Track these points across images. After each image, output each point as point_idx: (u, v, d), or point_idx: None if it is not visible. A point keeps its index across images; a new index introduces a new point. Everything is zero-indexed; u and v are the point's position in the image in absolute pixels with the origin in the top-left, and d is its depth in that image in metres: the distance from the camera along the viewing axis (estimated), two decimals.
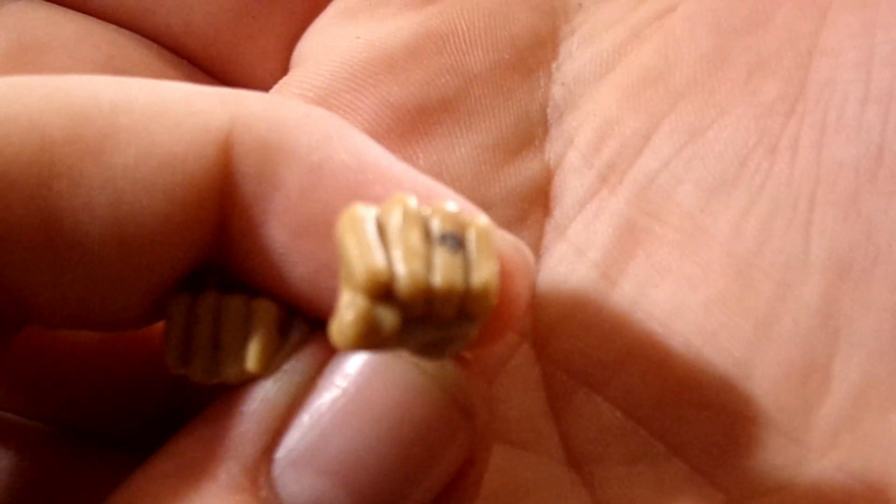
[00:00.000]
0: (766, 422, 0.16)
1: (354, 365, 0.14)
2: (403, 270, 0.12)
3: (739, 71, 0.18)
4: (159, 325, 0.15)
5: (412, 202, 0.13)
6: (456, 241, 0.13)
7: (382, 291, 0.12)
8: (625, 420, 0.17)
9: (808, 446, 0.16)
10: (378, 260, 0.12)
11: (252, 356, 0.14)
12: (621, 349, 0.17)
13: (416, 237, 0.12)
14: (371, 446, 0.13)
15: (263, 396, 0.14)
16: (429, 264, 0.12)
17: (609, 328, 0.17)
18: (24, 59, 0.19)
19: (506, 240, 0.14)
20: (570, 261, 0.18)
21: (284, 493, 0.13)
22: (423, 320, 0.12)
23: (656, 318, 0.17)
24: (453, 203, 0.13)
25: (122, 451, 0.17)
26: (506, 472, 0.17)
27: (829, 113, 0.17)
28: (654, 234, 0.17)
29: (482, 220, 0.13)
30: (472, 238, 0.13)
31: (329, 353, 0.14)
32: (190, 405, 0.15)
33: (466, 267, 0.13)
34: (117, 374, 0.16)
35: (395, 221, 0.12)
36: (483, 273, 0.12)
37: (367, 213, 0.12)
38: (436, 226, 0.13)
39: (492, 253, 0.13)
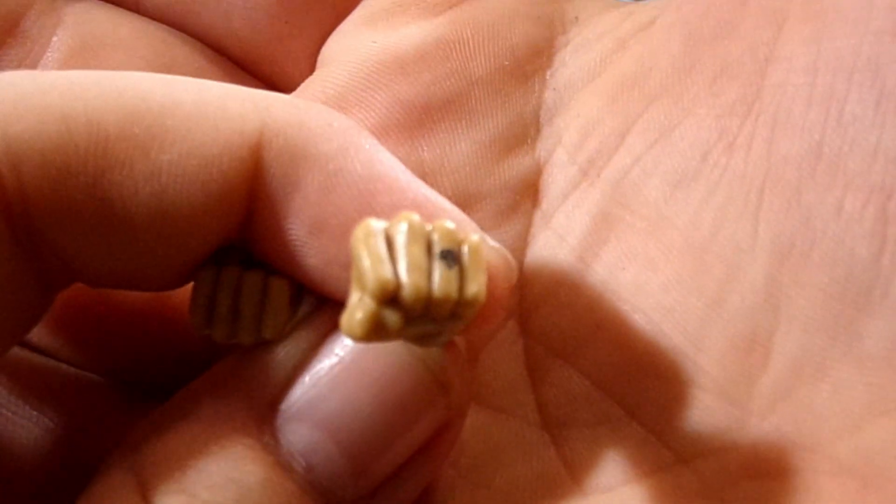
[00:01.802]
0: (714, 389, 0.17)
1: None
2: (408, 282, 0.14)
3: (706, 76, 0.18)
4: (188, 289, 0.16)
5: (416, 219, 0.14)
6: (453, 256, 0.14)
7: (389, 297, 0.14)
8: (592, 388, 0.18)
9: (750, 412, 0.17)
10: (387, 271, 0.14)
11: (266, 324, 0.16)
12: (592, 324, 0.18)
13: (418, 251, 0.14)
14: (360, 408, 0.15)
15: (273, 357, 0.15)
16: (429, 277, 0.14)
17: (582, 306, 0.19)
18: (86, 56, 0.21)
19: (492, 248, 0.16)
20: (552, 246, 0.19)
21: (284, 441, 0.15)
22: (420, 318, 0.14)
23: (623, 297, 0.18)
24: (451, 221, 0.15)
25: (148, 395, 0.19)
26: (486, 433, 0.19)
27: (779, 113, 0.17)
28: (625, 222, 0.19)
29: (475, 236, 0.15)
30: (466, 252, 0.14)
31: (331, 326, 0.16)
32: (208, 360, 0.16)
33: (461, 278, 0.14)
34: (151, 328, 0.18)
35: (401, 236, 0.14)
36: (473, 287, 0.14)
37: (377, 227, 0.14)
38: (436, 242, 0.14)
39: (482, 266, 0.14)
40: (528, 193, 0.20)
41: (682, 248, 0.18)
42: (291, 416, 0.15)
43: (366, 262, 0.14)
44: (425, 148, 0.20)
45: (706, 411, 0.17)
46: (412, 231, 0.14)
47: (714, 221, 0.18)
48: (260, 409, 0.15)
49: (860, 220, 0.16)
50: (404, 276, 0.14)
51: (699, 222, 0.18)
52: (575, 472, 0.18)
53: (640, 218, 0.19)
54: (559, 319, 0.19)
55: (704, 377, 0.17)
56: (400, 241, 0.14)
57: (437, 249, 0.14)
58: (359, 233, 0.14)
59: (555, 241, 0.19)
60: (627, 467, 0.18)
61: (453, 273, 0.14)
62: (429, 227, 0.14)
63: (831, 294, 0.16)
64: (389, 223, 0.14)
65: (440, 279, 0.14)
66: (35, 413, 0.18)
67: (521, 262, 0.20)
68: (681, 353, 0.18)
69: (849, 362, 0.16)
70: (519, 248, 0.20)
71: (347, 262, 0.15)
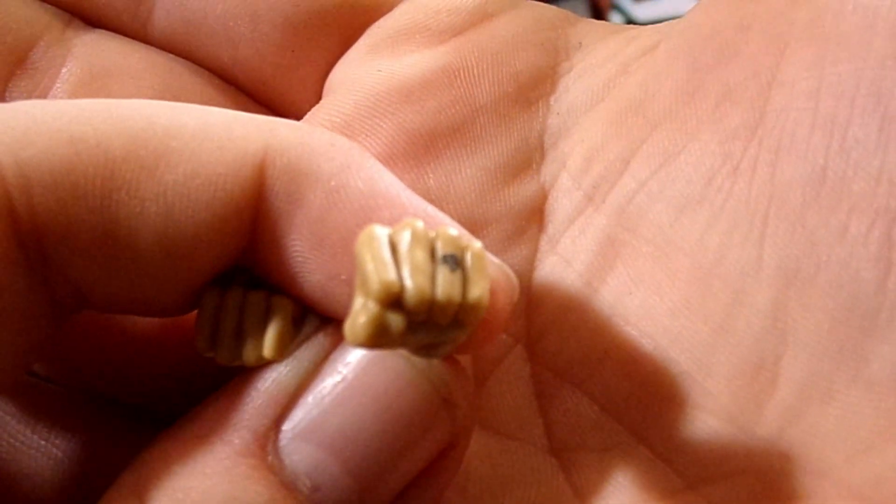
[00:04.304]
0: (722, 414, 0.17)
1: (355, 356, 0.15)
2: (411, 284, 0.14)
3: (709, 101, 0.18)
4: (193, 314, 0.16)
5: (420, 225, 0.14)
6: (455, 261, 0.14)
7: (392, 300, 0.14)
8: (600, 413, 0.18)
9: (758, 436, 0.17)
10: (391, 274, 0.14)
11: (269, 344, 0.16)
12: (600, 350, 0.18)
13: (422, 256, 0.14)
14: (364, 426, 0.15)
15: (276, 377, 0.15)
16: (432, 279, 0.14)
17: (590, 331, 0.19)
18: (95, 86, 0.21)
19: (493, 263, 0.16)
20: (559, 271, 0.19)
21: (288, 461, 0.15)
22: (423, 325, 0.14)
23: (630, 322, 0.18)
24: (454, 228, 0.15)
25: (154, 421, 0.18)
26: (494, 459, 0.18)
27: (783, 138, 0.17)
28: (631, 247, 0.19)
29: (477, 244, 0.15)
30: (468, 259, 0.15)
31: (334, 345, 0.16)
32: (214, 383, 0.16)
33: (464, 283, 0.14)
34: (157, 354, 0.18)
35: (405, 241, 0.14)
36: (477, 290, 0.14)
37: (381, 233, 0.14)
38: (439, 247, 0.14)
39: (485, 273, 0.15)
40: (533, 218, 0.20)
41: (689, 273, 0.18)
42: (295, 436, 0.15)
43: (370, 265, 0.14)
44: (431, 175, 0.20)
45: (715, 436, 0.17)
46: (416, 236, 0.14)
47: (719, 246, 0.18)
48: (263, 430, 0.15)
49: (865, 243, 0.16)
50: (408, 279, 0.14)
51: (705, 247, 0.18)
52: (584, 497, 0.18)
53: (646, 242, 0.19)
54: (567, 344, 0.19)
55: (712, 402, 0.17)
56: (404, 245, 0.14)
57: (440, 254, 0.14)
58: (363, 238, 0.14)
59: (561, 266, 0.19)
60: (636, 493, 0.18)
61: (456, 277, 0.14)
62: (432, 233, 0.15)
63: (837, 318, 0.16)
64: (393, 229, 0.14)
65: (443, 282, 0.14)
66: (43, 442, 0.18)
67: (528, 287, 0.20)
68: (689, 377, 0.18)
69: (856, 386, 0.16)
70: (525, 272, 0.20)
71: (349, 279, 0.15)
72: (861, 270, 0.16)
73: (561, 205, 0.20)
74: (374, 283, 0.14)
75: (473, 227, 0.20)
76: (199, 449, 0.15)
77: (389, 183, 0.16)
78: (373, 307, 0.14)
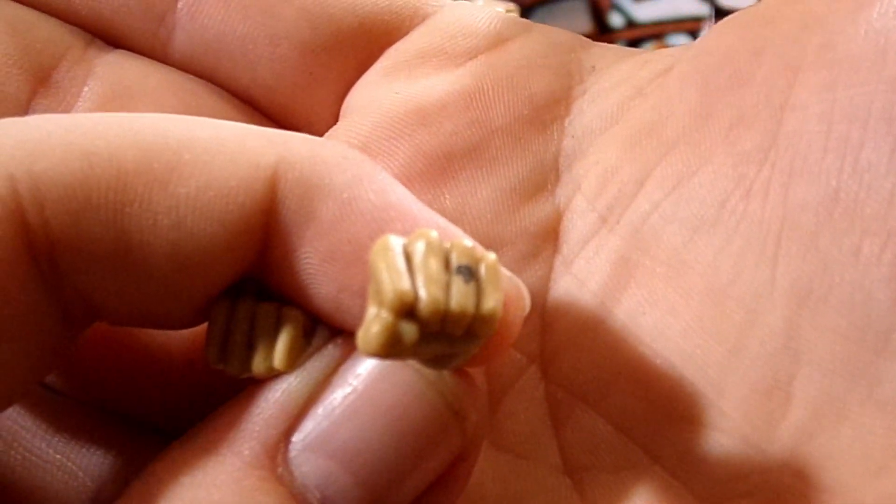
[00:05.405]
0: (736, 434, 0.17)
1: (365, 367, 0.15)
2: (425, 294, 0.14)
3: (722, 124, 0.19)
4: (203, 326, 0.16)
5: (434, 236, 0.14)
6: (470, 272, 0.14)
7: (406, 310, 0.14)
8: (615, 432, 0.18)
9: (772, 456, 0.17)
10: (405, 283, 0.14)
11: (279, 355, 0.16)
12: (614, 369, 0.19)
13: (436, 266, 0.14)
14: (374, 437, 0.15)
15: (286, 388, 0.15)
16: (446, 290, 0.14)
17: (604, 351, 0.19)
18: (115, 105, 0.21)
19: (506, 276, 0.16)
20: (573, 291, 0.19)
21: (298, 473, 0.15)
22: (435, 336, 0.14)
23: (644, 342, 0.18)
24: (468, 240, 0.15)
25: (167, 435, 0.18)
26: (507, 478, 0.19)
27: (795, 160, 0.18)
28: (645, 267, 0.19)
29: (491, 256, 0.15)
30: (483, 270, 0.15)
31: (345, 356, 0.16)
32: (225, 395, 0.16)
33: (477, 294, 0.14)
34: (169, 366, 0.18)
35: (419, 251, 0.14)
36: (490, 302, 0.14)
37: (396, 243, 0.14)
38: (454, 258, 0.14)
39: (499, 285, 0.15)
40: (548, 239, 0.20)
41: (702, 294, 0.18)
42: (305, 448, 0.15)
43: (384, 274, 0.14)
44: (447, 196, 0.20)
45: (728, 456, 0.17)
46: (430, 247, 0.14)
47: (733, 267, 0.18)
48: (273, 441, 0.15)
49: (878, 264, 0.16)
50: (422, 288, 0.14)
51: (718, 268, 0.18)
52: None
53: (660, 263, 0.19)
54: (581, 364, 0.19)
55: (726, 422, 0.18)
56: (418, 256, 0.14)
57: (454, 265, 0.14)
58: (377, 247, 0.14)
59: (575, 287, 0.20)
60: None
61: (470, 288, 0.14)
62: (447, 244, 0.15)
63: (850, 338, 0.17)
64: (408, 239, 0.14)
65: (457, 293, 0.14)
66: (57, 456, 0.18)
67: (542, 307, 0.20)
68: (702, 397, 0.18)
69: (869, 406, 0.16)
70: (540, 293, 0.20)
71: (360, 290, 0.15)
72: (873, 291, 0.16)
73: (575, 226, 0.20)
74: (389, 292, 0.14)
75: (489, 247, 0.19)
76: (208, 460, 0.15)
77: (401, 195, 0.16)
78: (386, 316, 0.14)
